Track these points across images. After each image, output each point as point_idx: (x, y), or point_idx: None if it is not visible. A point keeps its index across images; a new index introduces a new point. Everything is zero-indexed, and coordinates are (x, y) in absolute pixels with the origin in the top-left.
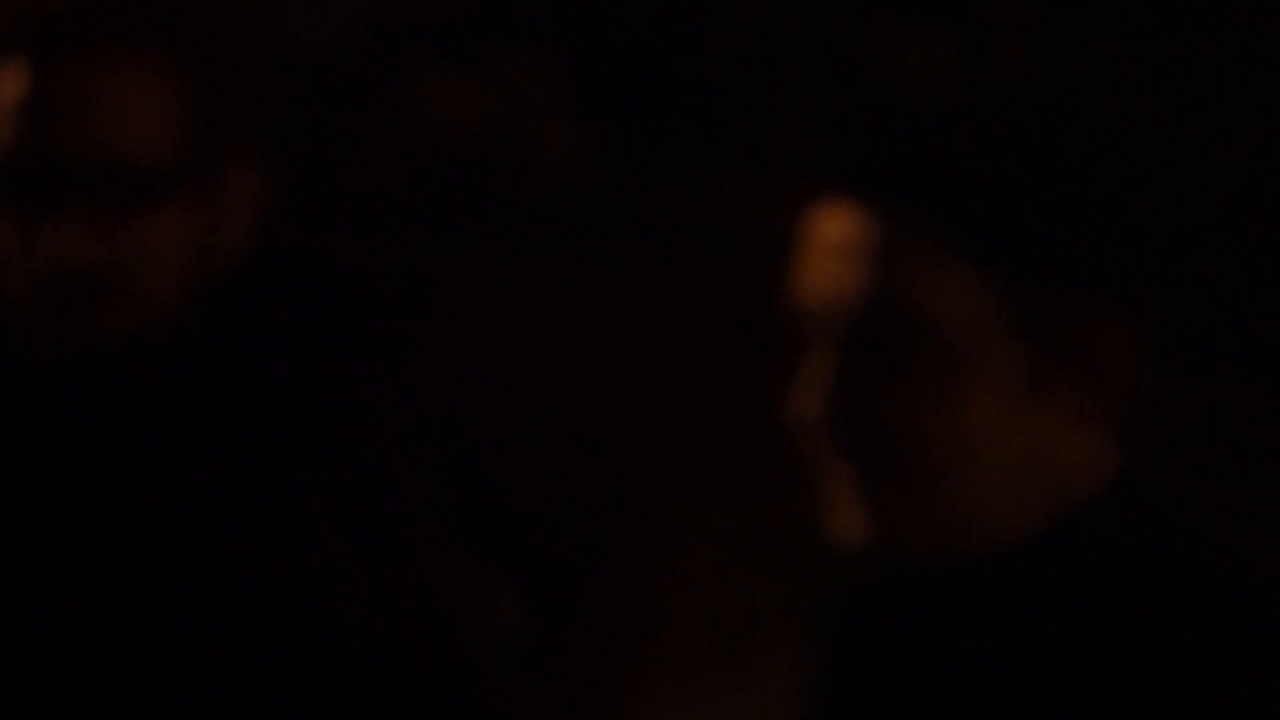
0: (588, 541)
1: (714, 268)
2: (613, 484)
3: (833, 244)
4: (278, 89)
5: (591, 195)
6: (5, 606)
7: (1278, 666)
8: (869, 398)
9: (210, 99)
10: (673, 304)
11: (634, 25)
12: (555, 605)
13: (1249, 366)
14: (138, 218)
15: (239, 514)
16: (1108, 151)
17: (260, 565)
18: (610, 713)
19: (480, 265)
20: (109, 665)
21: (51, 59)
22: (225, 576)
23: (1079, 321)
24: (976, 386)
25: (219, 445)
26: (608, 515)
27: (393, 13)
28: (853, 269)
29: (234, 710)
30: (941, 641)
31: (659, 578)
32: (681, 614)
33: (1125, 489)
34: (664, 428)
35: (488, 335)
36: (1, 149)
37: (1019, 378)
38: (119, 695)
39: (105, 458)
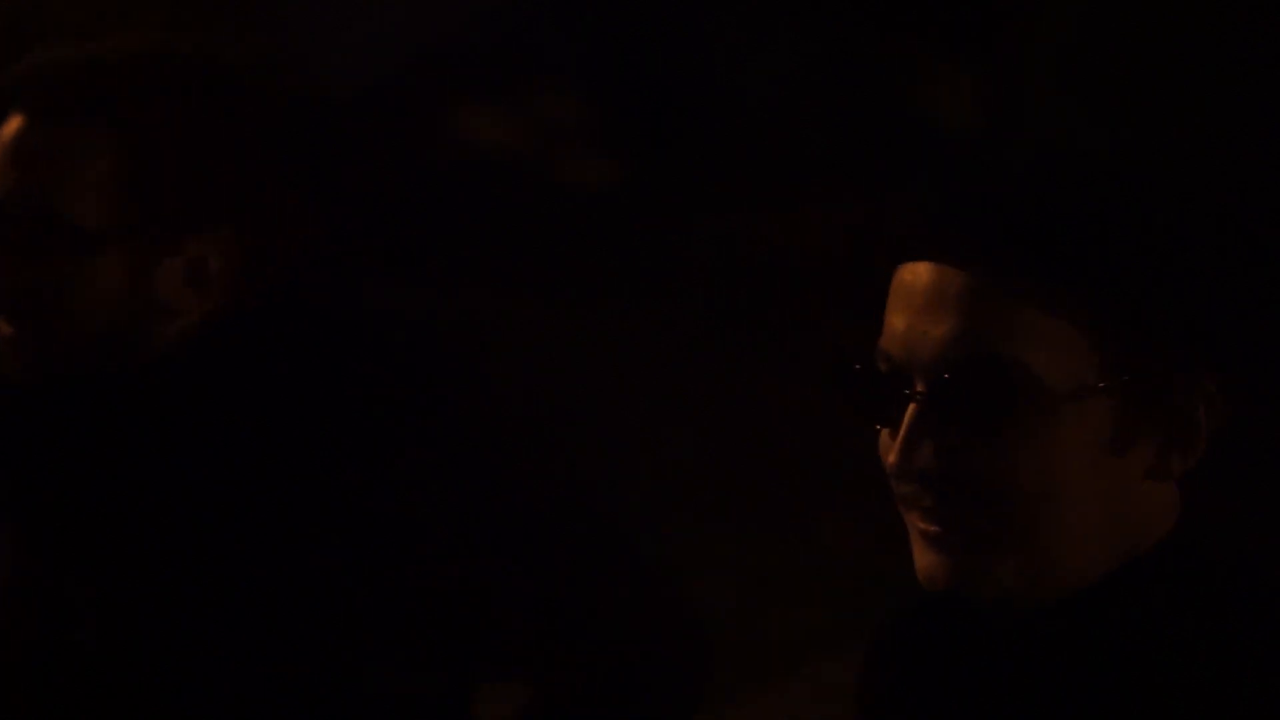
0: (599, 620)
1: (751, 296)
2: (626, 565)
3: (918, 296)
4: (313, 121)
5: (627, 227)
6: (14, 614)
7: None
8: (958, 443)
9: (152, 165)
10: (709, 333)
11: (664, 57)
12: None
13: None
14: (56, 265)
15: (234, 540)
16: (1190, 205)
17: (252, 596)
18: None
19: (509, 300)
20: (102, 674)
21: (13, 117)
22: (217, 597)
23: (1162, 375)
24: (1066, 436)
25: (216, 478)
26: (622, 597)
27: (425, 45)
28: (941, 320)
29: None
30: (999, 674)
31: (683, 655)
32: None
33: (1192, 532)
34: (701, 461)
35: (502, 400)
36: None
37: (1106, 428)
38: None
39: (106, 480)
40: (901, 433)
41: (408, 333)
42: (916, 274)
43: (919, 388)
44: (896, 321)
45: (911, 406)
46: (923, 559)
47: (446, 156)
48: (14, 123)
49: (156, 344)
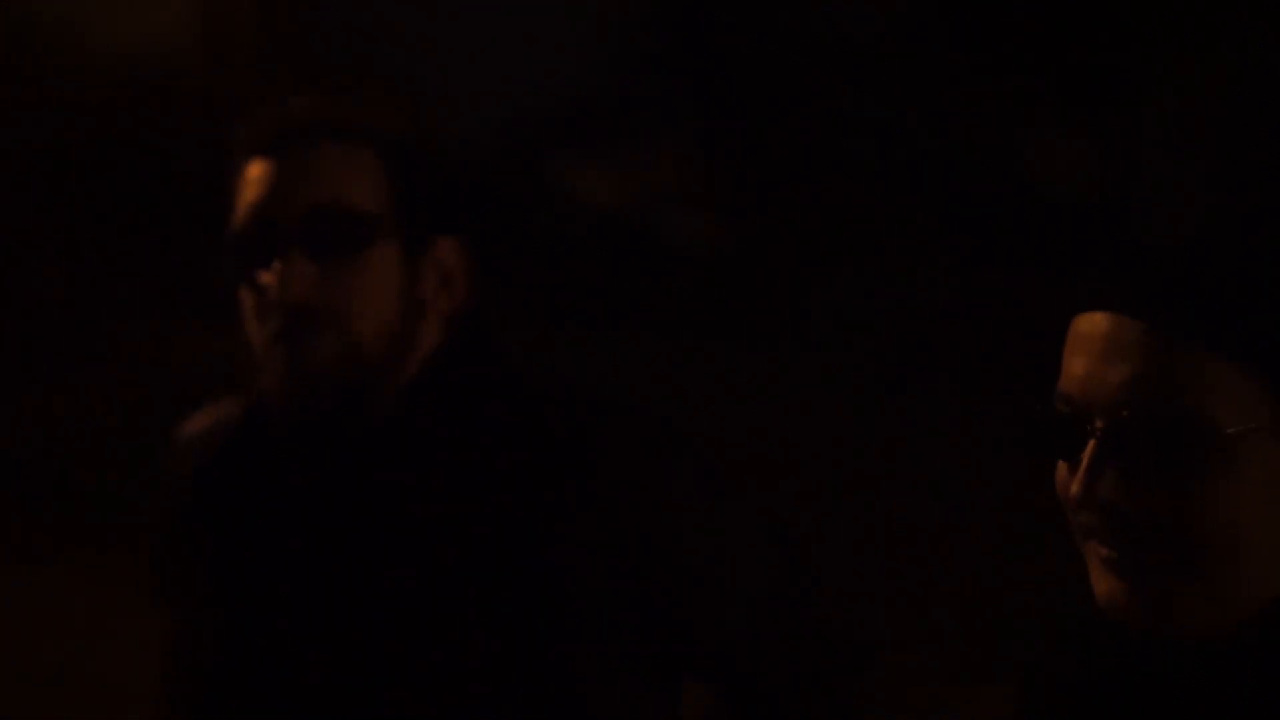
0: (784, 655)
1: (863, 353)
2: (804, 597)
3: (1096, 343)
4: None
5: (741, 285)
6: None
7: None
8: (1137, 478)
9: (404, 178)
10: (835, 385)
11: (776, 118)
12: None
13: None
14: (348, 260)
15: (417, 589)
16: None
17: (431, 639)
18: None
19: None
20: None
21: (286, 148)
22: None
23: None
24: (1241, 476)
25: (406, 525)
26: (803, 631)
27: (537, 100)
28: (1118, 365)
29: None
30: (1176, 703)
31: (855, 679)
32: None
33: None
34: (845, 512)
35: (674, 462)
36: (246, 209)
37: (1274, 470)
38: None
39: (313, 523)
40: (1083, 464)
41: (585, 400)
42: (1094, 323)
43: (1099, 425)
44: (1076, 367)
45: (1092, 442)
46: (1102, 584)
47: (557, 213)
48: (306, 144)
49: (419, 350)
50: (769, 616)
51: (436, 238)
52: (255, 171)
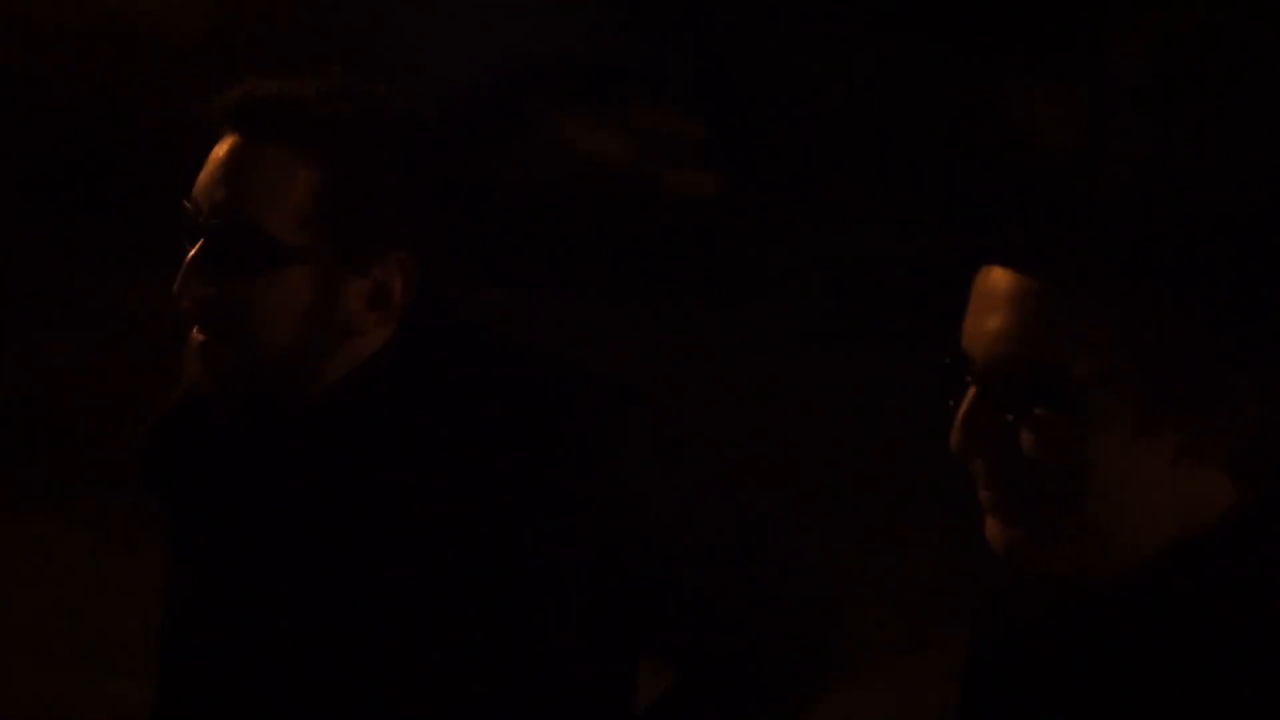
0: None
1: (847, 304)
2: (774, 568)
3: (981, 296)
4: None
5: (726, 238)
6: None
7: None
8: (1007, 426)
9: (345, 191)
10: (804, 339)
11: (765, 74)
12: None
13: None
14: (246, 278)
15: (370, 561)
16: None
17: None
18: None
19: (608, 305)
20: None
21: (242, 133)
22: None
23: (1189, 371)
24: (1102, 427)
25: (360, 500)
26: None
27: (535, 57)
28: (995, 318)
29: None
30: (1071, 648)
31: (825, 644)
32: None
33: (1248, 515)
34: (804, 469)
35: (632, 431)
36: (190, 202)
37: (1132, 418)
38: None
39: (266, 501)
40: (960, 412)
41: (543, 346)
42: (983, 277)
43: (975, 373)
44: (966, 320)
45: (970, 390)
46: (988, 530)
47: (551, 167)
48: (228, 141)
49: (337, 367)
50: (729, 587)
51: (374, 256)
52: (217, 149)
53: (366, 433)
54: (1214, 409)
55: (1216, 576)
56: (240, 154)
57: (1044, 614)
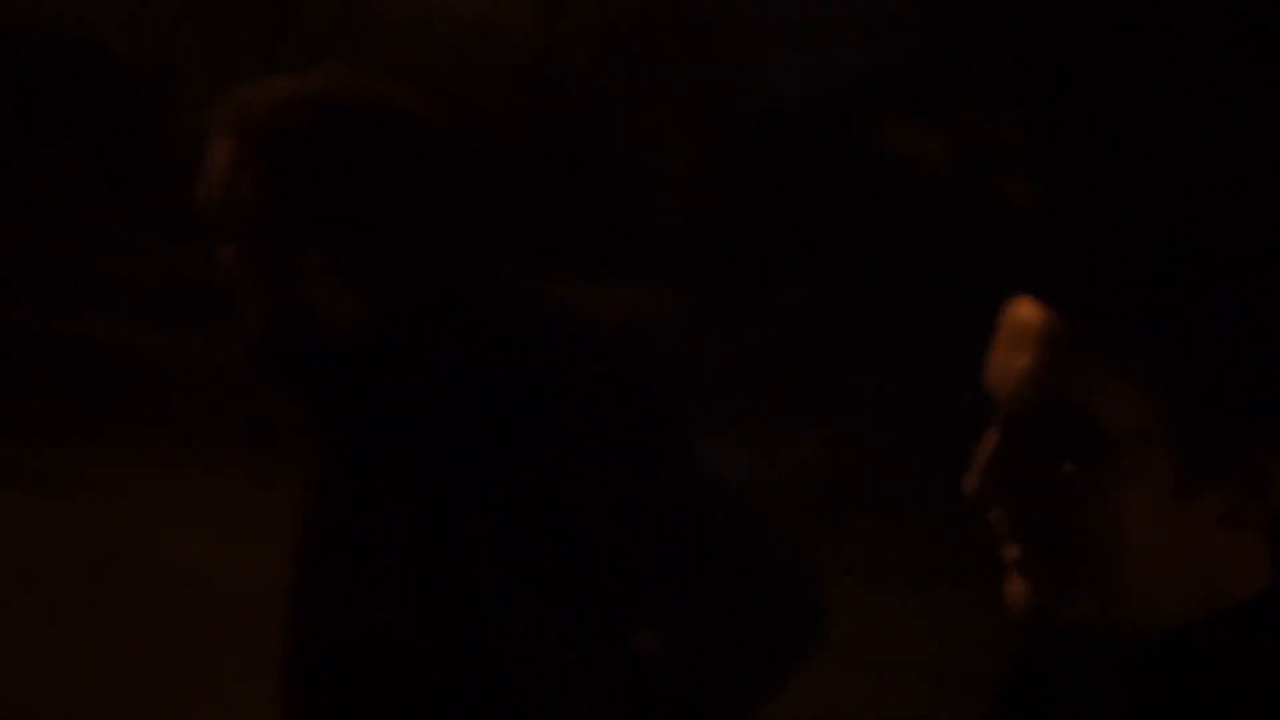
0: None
1: None
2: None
3: (1011, 330)
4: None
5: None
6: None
7: None
8: (1032, 475)
9: (280, 184)
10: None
11: (1098, 81)
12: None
13: None
14: (230, 251)
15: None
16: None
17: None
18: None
19: (918, 307)
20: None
21: (229, 139)
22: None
23: (1235, 434)
24: (1129, 484)
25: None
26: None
27: (866, 62)
28: (1024, 356)
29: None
30: (1089, 705)
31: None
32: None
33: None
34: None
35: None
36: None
37: (1168, 480)
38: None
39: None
40: (982, 456)
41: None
42: (1014, 310)
43: (1001, 415)
44: (994, 354)
45: (993, 433)
46: (1012, 589)
47: (875, 169)
48: (229, 135)
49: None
50: (712, 552)
51: (305, 247)
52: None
53: (375, 376)
54: (1261, 476)
55: (1245, 654)
56: (225, 144)
57: (1065, 656)
